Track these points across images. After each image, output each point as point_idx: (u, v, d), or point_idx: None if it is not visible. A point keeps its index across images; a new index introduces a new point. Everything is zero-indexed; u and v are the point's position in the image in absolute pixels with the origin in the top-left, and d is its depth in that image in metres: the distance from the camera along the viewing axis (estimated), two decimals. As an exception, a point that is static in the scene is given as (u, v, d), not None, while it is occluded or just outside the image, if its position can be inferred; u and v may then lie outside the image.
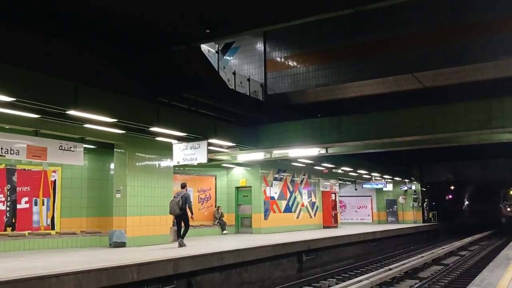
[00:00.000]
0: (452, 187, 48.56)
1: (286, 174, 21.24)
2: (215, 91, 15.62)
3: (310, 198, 23.26)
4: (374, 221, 31.84)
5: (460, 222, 44.95)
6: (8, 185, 12.38)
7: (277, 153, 16.04)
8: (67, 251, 11.77)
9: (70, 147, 11.90)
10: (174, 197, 12.62)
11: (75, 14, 10.55)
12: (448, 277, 13.60)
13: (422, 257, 16.45)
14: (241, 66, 20.15)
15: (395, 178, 30.27)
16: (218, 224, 18.67)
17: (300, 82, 18.66)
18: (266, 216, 19.48)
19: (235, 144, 14.61)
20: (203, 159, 12.74)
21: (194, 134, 12.94)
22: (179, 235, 12.51)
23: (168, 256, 9.79)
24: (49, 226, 13.18)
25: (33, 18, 10.26)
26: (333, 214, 24.57)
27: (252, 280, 12.25)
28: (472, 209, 62.27)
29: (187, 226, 12.55)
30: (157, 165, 14.01)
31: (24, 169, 12.74)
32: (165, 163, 14.23)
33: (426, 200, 33.56)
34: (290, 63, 19.11)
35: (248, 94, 18.57)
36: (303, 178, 22.73)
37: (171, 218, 14.49)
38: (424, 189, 33.52)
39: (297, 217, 21.96)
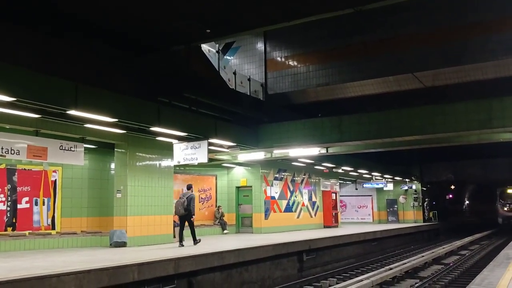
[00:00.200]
0: (453, 187, 48.59)
1: (286, 173, 21.24)
2: (216, 91, 15.62)
3: (311, 198, 23.26)
4: (374, 220, 31.83)
5: (461, 221, 44.89)
6: (9, 185, 12.39)
7: (278, 152, 16.04)
8: (67, 251, 11.78)
9: (71, 147, 11.91)
10: (180, 197, 12.83)
11: (75, 14, 10.55)
12: (449, 277, 13.61)
13: (423, 256, 16.45)
14: (242, 65, 20.15)
15: (396, 178, 30.27)
16: (219, 223, 18.67)
17: (301, 82, 18.66)
18: (266, 216, 19.48)
19: (235, 144, 14.62)
20: (204, 159, 12.74)
21: (195, 134, 12.95)
22: (181, 235, 12.66)
23: (168, 256, 9.80)
24: (50, 226, 13.19)
25: (33, 18, 10.27)
26: (333, 213, 24.57)
27: (253, 280, 12.26)
28: (472, 208, 62.29)
29: (192, 227, 12.73)
30: (157, 165, 14.01)
31: (24, 169, 12.75)
32: (166, 163, 14.23)
33: (426, 199, 33.57)
34: (291, 63, 19.11)
35: (248, 93, 18.57)
36: (304, 178, 22.73)
37: (171, 218, 14.53)
38: (424, 189, 33.53)
39: (298, 217, 21.96)
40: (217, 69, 17.18)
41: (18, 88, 8.73)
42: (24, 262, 8.99)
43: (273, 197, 20.13)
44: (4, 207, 12.23)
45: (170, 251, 11.08)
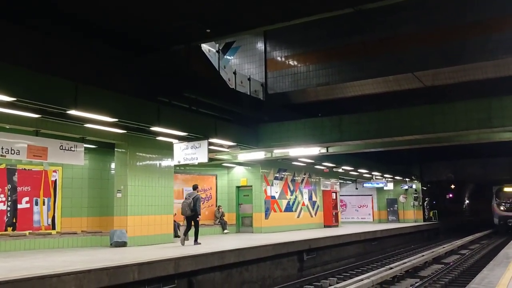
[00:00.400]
0: (453, 186, 48.61)
1: (286, 173, 21.25)
2: (216, 91, 15.63)
3: (311, 197, 23.26)
4: (374, 220, 31.84)
5: (460, 221, 44.90)
6: (9, 185, 12.40)
7: (278, 152, 16.04)
8: (67, 251, 11.79)
9: (71, 147, 11.91)
10: (186, 198, 12.93)
11: (75, 14, 10.55)
12: (449, 276, 13.61)
13: (423, 256, 16.46)
14: (242, 65, 20.16)
15: (396, 177, 30.28)
16: (219, 223, 18.68)
17: (301, 82, 18.68)
18: (267, 216, 19.49)
19: (235, 144, 14.63)
20: (204, 159, 12.75)
21: (195, 133, 12.96)
22: (186, 234, 12.83)
23: (169, 255, 9.80)
24: (50, 226, 13.20)
25: (33, 18, 10.27)
26: (333, 213, 24.58)
27: (253, 280, 12.27)
28: (472, 208, 62.34)
29: (197, 226, 12.85)
30: (157, 164, 14.02)
31: (24, 169, 12.76)
32: (166, 162, 14.24)
33: (426, 199, 33.58)
34: (291, 63, 19.12)
35: (248, 93, 18.58)
36: (304, 177, 22.74)
37: (171, 217, 14.55)
38: (424, 188, 33.54)
39: (298, 217, 21.97)
40: (217, 69, 17.19)
41: (18, 88, 8.74)
42: (24, 262, 9.00)
43: (273, 197, 20.13)
44: (4, 207, 12.24)
45: (170, 250, 11.09)
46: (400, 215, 31.72)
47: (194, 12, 10.51)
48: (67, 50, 11.10)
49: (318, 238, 15.77)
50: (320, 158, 19.76)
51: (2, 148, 10.48)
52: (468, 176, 35.19)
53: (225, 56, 20.15)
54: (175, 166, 14.63)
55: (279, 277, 13.36)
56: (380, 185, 30.30)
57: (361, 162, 24.63)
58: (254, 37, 20.02)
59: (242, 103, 16.93)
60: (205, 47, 16.63)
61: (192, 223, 12.89)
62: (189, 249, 11.42)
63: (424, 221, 31.81)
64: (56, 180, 13.44)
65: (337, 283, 11.70)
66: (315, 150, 15.50)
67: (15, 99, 8.74)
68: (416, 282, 12.40)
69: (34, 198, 12.93)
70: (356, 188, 31.95)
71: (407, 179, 31.40)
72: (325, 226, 23.90)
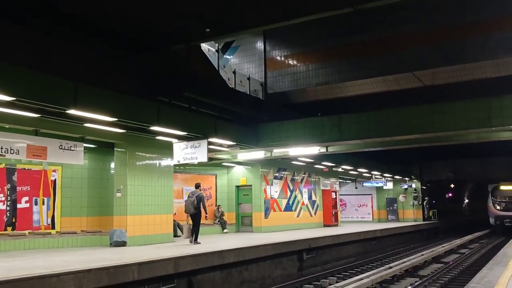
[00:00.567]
0: (452, 185, 48.63)
1: (286, 172, 21.25)
2: (215, 90, 15.63)
3: (311, 197, 23.27)
4: (374, 219, 31.87)
5: (460, 220, 44.91)
6: (8, 184, 12.39)
7: (278, 151, 16.05)
8: (67, 250, 11.79)
9: (70, 147, 11.91)
10: (189, 196, 13.04)
11: (75, 14, 10.55)
12: (448, 275, 13.62)
13: (422, 255, 16.47)
14: (241, 65, 20.15)
15: (395, 177, 30.30)
16: (219, 223, 18.69)
17: (300, 81, 18.68)
18: (266, 215, 19.50)
19: (235, 143, 14.63)
20: (204, 158, 12.75)
21: (195, 133, 12.96)
22: (193, 233, 12.95)
23: (168, 255, 9.81)
24: (50, 225, 13.20)
25: (34, 18, 10.27)
26: (333, 212, 24.60)
27: (253, 279, 12.27)
28: (472, 207, 62.36)
29: (197, 226, 12.94)
30: (157, 164, 14.02)
31: (24, 168, 12.76)
32: (166, 162, 14.24)
33: (426, 198, 33.59)
34: (290, 62, 19.12)
35: (248, 93, 18.58)
36: (303, 177, 22.75)
37: (171, 217, 14.55)
38: (424, 187, 33.55)
39: (298, 216, 21.98)
40: (217, 69, 17.19)
41: (18, 87, 8.74)
42: (24, 262, 9.00)
43: (273, 196, 20.14)
44: (3, 207, 12.23)
45: (170, 250, 11.09)
46: (400, 214, 31.74)
47: (194, 12, 10.52)
48: (67, 50, 11.10)
49: (317, 238, 15.78)
50: (319, 158, 19.76)
51: (1, 148, 10.47)
52: (467, 175, 35.01)
53: (224, 56, 20.15)
54: (175, 165, 14.63)
55: (279, 276, 13.37)
56: (380, 184, 30.31)
57: (361, 161, 24.64)
58: (253, 37, 20.02)
59: (241, 102, 16.93)
60: (204, 46, 16.62)
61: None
62: (189, 248, 11.43)
63: (423, 220, 31.82)
64: (55, 179, 13.44)
65: (337, 282, 11.71)
66: (315, 150, 15.50)
67: (14, 98, 8.74)
68: (415, 281, 12.41)
69: (34, 198, 12.93)
70: (356, 188, 31.96)
71: (406, 179, 31.41)
72: (324, 226, 23.92)
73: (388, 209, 32.03)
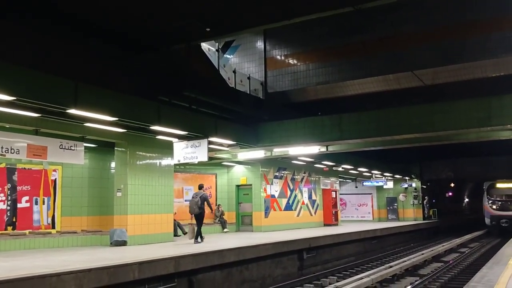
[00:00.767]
0: (452, 185, 48.63)
1: (286, 172, 21.26)
2: (216, 90, 15.63)
3: (311, 196, 23.28)
4: (374, 218, 31.88)
5: (460, 219, 44.90)
6: (9, 184, 12.40)
7: (278, 151, 16.05)
8: (67, 250, 11.79)
9: (71, 146, 11.92)
10: (193, 197, 13.23)
11: (75, 14, 10.54)
12: (448, 274, 13.63)
13: (422, 254, 16.48)
14: (241, 64, 20.14)
15: (396, 176, 30.31)
16: (219, 222, 18.69)
17: (301, 80, 18.67)
18: (266, 214, 19.51)
19: (235, 143, 14.63)
20: (204, 158, 12.76)
21: (195, 132, 12.96)
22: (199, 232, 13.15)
23: (169, 254, 9.82)
24: (50, 225, 13.21)
25: (34, 18, 10.27)
26: (333, 212, 24.61)
27: (253, 278, 12.28)
28: (472, 206, 62.36)
29: (200, 225, 13.15)
30: (157, 163, 14.02)
31: (24, 168, 12.76)
32: (166, 161, 14.24)
33: (426, 197, 33.60)
34: (291, 61, 19.10)
35: (248, 92, 18.57)
36: (304, 176, 22.75)
37: (172, 216, 14.56)
38: (424, 187, 33.55)
39: (298, 215, 21.99)
40: (217, 68, 17.18)
41: (18, 87, 8.74)
42: (24, 262, 9.01)
43: (273, 196, 20.15)
44: (4, 206, 12.24)
45: (171, 249, 11.10)
46: (400, 213, 31.75)
47: (194, 12, 10.51)
48: (67, 49, 11.11)
49: (318, 237, 15.79)
50: (319, 157, 19.77)
51: (2, 147, 10.49)
52: (467, 174, 34.92)
53: (224, 55, 20.13)
54: (175, 165, 14.63)
55: (279, 275, 13.38)
56: (380, 183, 30.32)
57: (361, 160, 24.64)
58: (253, 36, 20.00)
59: (241, 102, 16.93)
60: (204, 46, 16.61)
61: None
62: (189, 248, 11.44)
63: (423, 219, 31.84)
64: (56, 179, 13.45)
65: (337, 281, 11.71)
66: (315, 149, 15.51)
67: (15, 98, 8.74)
68: (415, 281, 12.41)
69: (34, 197, 12.94)
70: (356, 187, 31.97)
71: (406, 178, 31.42)
72: (325, 225, 23.93)
73: (388, 208, 32.04)
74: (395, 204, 31.84)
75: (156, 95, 12.72)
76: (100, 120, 10.75)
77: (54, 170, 13.41)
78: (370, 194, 32.33)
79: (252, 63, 20.01)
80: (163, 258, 9.35)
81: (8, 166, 12.42)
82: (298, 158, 19.18)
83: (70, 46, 11.20)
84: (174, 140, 13.37)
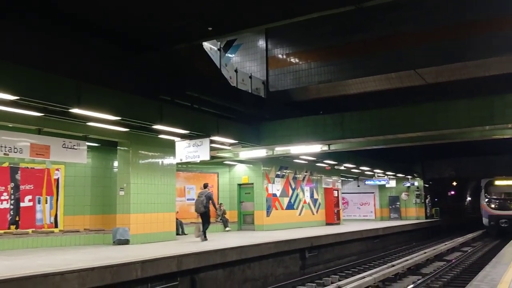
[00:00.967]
0: (455, 184, 48.55)
1: (288, 171, 21.26)
2: (217, 89, 15.62)
3: (313, 195, 23.28)
4: (376, 217, 31.86)
5: (462, 218, 44.82)
6: (12, 183, 12.45)
7: (279, 150, 16.06)
8: (70, 249, 11.83)
9: (74, 145, 11.94)
10: (198, 196, 13.45)
11: (75, 14, 10.54)
12: (451, 273, 13.62)
13: (425, 253, 16.47)
14: (243, 63, 20.12)
15: (398, 175, 30.28)
16: (221, 221, 18.70)
17: (302, 79, 18.63)
18: (268, 213, 19.52)
19: (237, 141, 14.65)
20: (206, 157, 12.77)
21: (197, 131, 12.98)
22: (205, 231, 13.38)
23: (171, 253, 9.84)
24: (53, 224, 13.25)
25: (35, 18, 10.28)
26: (335, 211, 24.60)
27: (255, 277, 12.30)
28: (474, 205, 62.26)
29: (207, 223, 13.49)
30: (160, 162, 14.05)
31: (27, 167, 12.80)
32: (168, 160, 14.27)
33: (428, 196, 33.56)
34: (292, 60, 19.08)
35: (250, 91, 18.56)
36: (305, 175, 22.75)
37: (174, 215, 14.59)
38: (426, 186, 33.53)
39: (299, 214, 21.99)
40: (219, 67, 17.18)
41: (21, 86, 8.76)
42: (28, 260, 9.04)
43: (274, 195, 20.16)
44: (7, 205, 12.29)
45: (173, 248, 11.12)
46: (402, 212, 31.73)
47: (195, 11, 10.48)
48: (69, 49, 11.10)
49: (320, 236, 15.80)
50: (321, 156, 19.76)
51: (5, 147, 10.52)
52: (470, 173, 34.81)
53: (226, 54, 20.12)
54: (177, 164, 14.65)
55: (281, 274, 13.39)
56: (382, 182, 30.32)
57: (363, 159, 24.63)
58: (255, 35, 19.98)
59: (243, 101, 16.92)
60: (206, 45, 16.60)
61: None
62: (192, 246, 11.46)
63: (426, 218, 31.82)
64: (58, 178, 13.48)
65: (339, 280, 11.72)
66: (317, 148, 15.51)
67: (18, 97, 8.76)
68: (418, 279, 12.42)
69: (37, 197, 12.98)
70: (358, 186, 31.97)
71: (409, 177, 31.39)
72: (327, 224, 23.93)
73: (390, 207, 32.02)
74: (398, 203, 31.82)
75: (158, 94, 12.73)
76: (103, 119, 10.77)
77: (57, 169, 13.45)
78: (372, 193, 32.31)
79: (254, 62, 19.99)
80: (165, 256, 9.37)
81: (11, 165, 12.47)
82: (300, 157, 19.18)
83: (72, 46, 11.20)
84: (176, 139, 13.39)
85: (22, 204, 12.62)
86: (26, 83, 8.95)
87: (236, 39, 20.32)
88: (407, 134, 13.32)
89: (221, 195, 19.85)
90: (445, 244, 20.14)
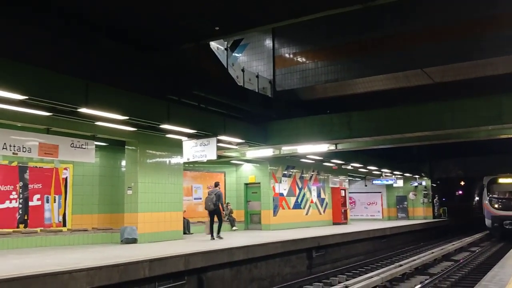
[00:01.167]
0: (462, 183, 48.27)
1: (295, 170, 21.25)
2: (224, 88, 15.64)
3: (319, 195, 23.25)
4: (384, 217, 31.77)
5: (470, 218, 44.52)
6: (20, 182, 12.55)
7: (286, 149, 16.06)
8: (78, 247, 11.91)
9: (82, 145, 12.02)
10: (209, 194, 13.71)
11: (82, 14, 10.61)
12: (459, 273, 13.55)
13: (432, 253, 16.40)
14: (250, 63, 20.13)
15: (405, 174, 30.16)
16: (228, 220, 18.73)
17: (309, 78, 18.60)
18: (275, 213, 19.52)
19: (244, 141, 14.67)
20: (213, 156, 12.81)
21: (204, 131, 13.01)
22: (212, 229, 13.64)
23: (179, 252, 9.87)
24: (61, 223, 13.34)
25: (44, 17, 10.35)
26: (342, 210, 24.55)
27: (262, 277, 12.31)
28: (481, 205, 61.83)
29: (220, 221, 13.73)
30: (167, 162, 14.10)
31: (36, 166, 12.90)
32: (175, 160, 14.32)
33: (436, 196, 33.41)
34: (299, 59, 19.06)
35: (256, 91, 18.56)
36: (312, 175, 22.72)
37: (181, 214, 14.63)
38: (434, 185, 33.37)
39: (306, 214, 21.97)
40: (226, 67, 17.20)
41: (29, 86, 8.83)
42: (36, 259, 9.11)
43: (281, 194, 20.16)
44: (16, 204, 12.39)
45: (180, 247, 11.16)
46: (410, 212, 31.61)
47: (202, 11, 10.52)
48: (77, 48, 11.17)
49: (327, 236, 15.78)
50: (328, 155, 19.73)
51: (14, 146, 10.61)
52: (478, 173, 34.52)
53: (233, 54, 20.14)
54: (184, 163, 14.70)
55: (288, 274, 13.39)
56: (390, 182, 30.23)
57: (370, 159, 24.55)
58: (262, 34, 19.98)
59: (250, 100, 16.92)
60: (213, 44, 16.63)
61: (216, 218, 13.72)
62: (199, 245, 11.49)
63: (433, 218, 31.67)
64: (67, 177, 13.57)
65: (347, 280, 11.71)
66: (324, 147, 15.50)
67: (27, 97, 8.83)
68: (425, 279, 12.37)
69: (45, 196, 13.07)
70: (365, 185, 31.88)
71: (416, 176, 31.27)
72: (334, 224, 23.89)
73: (398, 207, 31.90)
74: (405, 203, 31.70)
75: (165, 94, 12.77)
76: (111, 119, 10.83)
77: (65, 169, 13.54)
78: (380, 192, 32.22)
79: (261, 62, 19.99)
80: (173, 255, 9.41)
81: (20, 164, 12.57)
82: (307, 156, 19.16)
83: (80, 46, 11.27)
84: (183, 138, 13.44)
85: (30, 203, 12.73)
86: (35, 83, 9.01)
87: (243, 39, 20.33)
88: (414, 134, 13.27)
89: (228, 195, 19.88)
90: (453, 244, 20.04)
